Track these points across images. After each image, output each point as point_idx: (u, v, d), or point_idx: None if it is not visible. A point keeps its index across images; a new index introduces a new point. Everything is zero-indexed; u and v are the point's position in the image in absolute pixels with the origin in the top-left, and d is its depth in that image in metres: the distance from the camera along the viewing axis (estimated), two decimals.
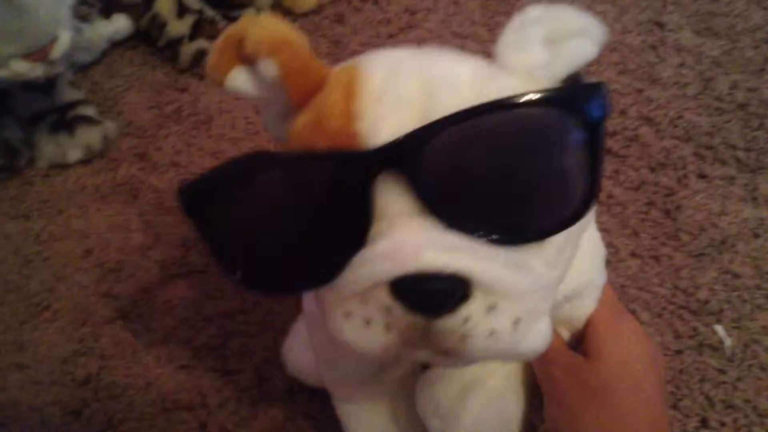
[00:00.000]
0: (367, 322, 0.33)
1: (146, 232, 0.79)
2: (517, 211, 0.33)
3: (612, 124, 0.88)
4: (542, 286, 0.35)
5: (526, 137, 0.33)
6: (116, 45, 1.00)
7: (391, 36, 1.01)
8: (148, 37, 0.99)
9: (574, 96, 0.33)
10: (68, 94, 0.87)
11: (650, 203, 0.80)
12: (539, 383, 0.45)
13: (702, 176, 0.82)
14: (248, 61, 0.36)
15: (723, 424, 0.63)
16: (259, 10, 1.00)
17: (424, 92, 0.33)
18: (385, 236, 0.32)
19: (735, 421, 0.63)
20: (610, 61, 0.96)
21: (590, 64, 0.95)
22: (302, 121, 0.34)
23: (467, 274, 0.31)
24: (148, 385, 0.67)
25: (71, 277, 0.75)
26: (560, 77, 0.36)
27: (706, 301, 0.71)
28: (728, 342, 0.68)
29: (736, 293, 0.71)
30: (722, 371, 0.66)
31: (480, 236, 0.32)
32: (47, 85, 0.85)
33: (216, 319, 0.71)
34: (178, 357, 0.68)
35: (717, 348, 0.68)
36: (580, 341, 0.46)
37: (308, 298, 0.52)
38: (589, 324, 0.46)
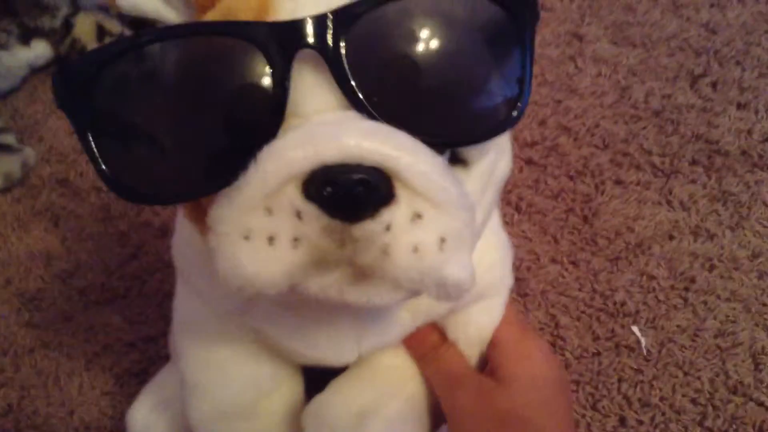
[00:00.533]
0: (271, 239, 0.28)
1: (67, 259, 0.78)
2: (446, 108, 0.30)
3: (532, 134, 0.90)
4: (470, 205, 0.31)
5: (453, 23, 0.30)
6: (37, 71, 0.99)
7: None
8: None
9: None
10: None
11: (569, 210, 0.81)
12: (443, 409, 0.43)
13: (618, 182, 0.84)
14: None
15: (641, 423, 0.65)
16: None
17: None
18: (300, 125, 0.28)
19: (652, 419, 0.65)
20: None
21: None
22: (210, 17, 0.31)
23: (393, 166, 0.28)
24: (70, 413, 0.66)
25: None
26: None
27: (623, 303, 0.73)
28: (644, 342, 0.70)
29: (651, 294, 0.73)
30: (639, 371, 0.68)
31: (407, 131, 0.29)
32: None
33: (138, 344, 0.71)
34: (100, 384, 0.68)
35: (634, 348, 0.70)
36: (486, 362, 0.44)
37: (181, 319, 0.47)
38: (495, 344, 0.44)
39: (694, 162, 0.85)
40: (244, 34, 0.28)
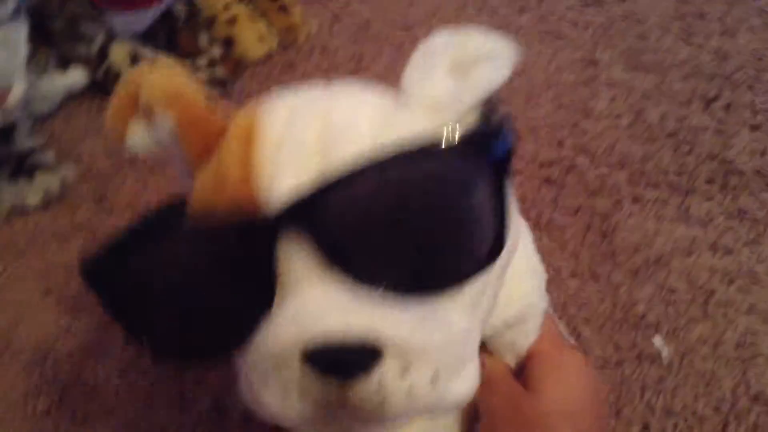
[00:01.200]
0: (285, 392, 0.32)
1: None
2: (423, 260, 0.32)
3: (549, 155, 0.93)
4: (461, 335, 0.34)
5: (426, 184, 0.32)
6: (73, 96, 1.03)
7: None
8: (104, 88, 1.03)
9: (473, 138, 0.32)
10: (27, 142, 0.90)
11: (588, 226, 0.84)
12: (479, 411, 0.44)
13: (636, 200, 0.86)
14: (145, 114, 0.35)
15: (664, 430, 0.66)
16: (211, 59, 1.04)
17: (323, 139, 0.32)
18: (291, 298, 0.31)
19: (675, 426, 0.66)
20: (547, 97, 1.01)
21: (529, 99, 1.00)
22: (202, 178, 0.33)
23: (375, 336, 0.30)
24: (107, 414, 0.68)
25: (32, 316, 0.77)
26: (470, 104, 0.34)
27: (644, 315, 0.74)
28: (665, 352, 0.72)
29: (672, 307, 0.75)
30: (661, 380, 0.69)
31: (387, 289, 0.31)
32: (6, 134, 0.88)
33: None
34: (137, 388, 0.70)
35: (655, 359, 0.71)
36: (522, 371, 0.46)
37: None
38: (530, 356, 0.46)
39: (709, 181, 0.88)
40: (240, 231, 0.31)
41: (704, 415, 0.67)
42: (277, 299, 0.32)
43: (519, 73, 1.04)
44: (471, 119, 0.35)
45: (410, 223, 0.31)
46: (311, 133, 0.32)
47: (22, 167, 0.87)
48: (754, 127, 0.94)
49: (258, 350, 0.32)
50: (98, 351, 0.73)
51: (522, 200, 0.87)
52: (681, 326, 0.74)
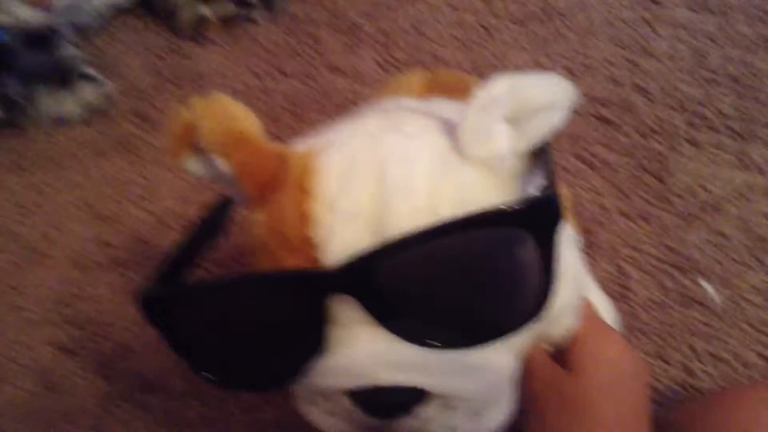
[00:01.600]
0: (332, 414, 0.34)
1: (144, 187, 0.80)
2: (467, 321, 0.33)
3: (606, 93, 0.89)
4: (504, 375, 0.35)
5: (476, 255, 0.32)
6: (119, 12, 1.02)
7: (389, 8, 1.03)
8: (149, 5, 1.01)
9: (524, 213, 0.32)
10: (69, 52, 0.89)
11: (641, 167, 0.80)
12: (524, 399, 0.44)
13: (693, 143, 0.83)
14: (203, 153, 0.35)
15: (708, 374, 0.64)
16: None
17: (377, 199, 0.32)
18: (342, 346, 0.33)
19: (720, 370, 0.64)
20: (605, 34, 0.97)
21: (587, 35, 0.96)
22: (259, 220, 0.35)
23: (420, 387, 0.32)
24: (144, 329, 0.67)
25: (69, 227, 0.77)
26: (525, 151, 0.34)
27: (695, 260, 0.72)
28: (716, 298, 0.69)
29: (724, 253, 0.72)
30: (708, 325, 0.67)
31: (433, 345, 0.32)
32: (48, 43, 0.86)
33: (213, 269, 0.72)
34: None
35: (703, 303, 0.69)
36: (563, 356, 0.45)
37: None
38: (572, 340, 0.45)
39: None
40: (295, 285, 0.32)
41: (752, 362, 0.64)
42: (328, 344, 0.33)
43: (579, 9, 1.01)
44: (524, 185, 0.35)
45: (459, 290, 0.32)
46: (366, 191, 0.32)
47: (65, 78, 0.86)
48: None
49: (308, 386, 0.34)
50: (135, 264, 0.73)
51: (575, 138, 0.84)
52: (733, 273, 0.71)
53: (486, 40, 0.98)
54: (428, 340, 0.32)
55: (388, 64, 0.95)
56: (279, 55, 0.96)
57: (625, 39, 0.96)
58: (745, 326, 0.67)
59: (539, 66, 0.93)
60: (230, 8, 0.97)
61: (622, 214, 0.76)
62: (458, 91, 0.51)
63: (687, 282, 0.70)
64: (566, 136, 0.84)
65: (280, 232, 0.33)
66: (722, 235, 0.74)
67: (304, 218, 0.32)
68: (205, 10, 0.96)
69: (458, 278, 0.32)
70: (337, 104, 0.90)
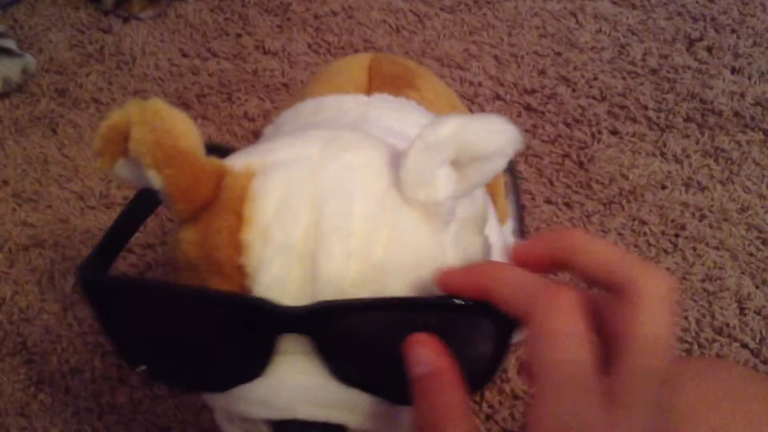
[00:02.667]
0: None
1: (65, 165, 0.77)
2: (400, 382, 0.31)
3: (531, 82, 0.91)
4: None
5: (426, 328, 0.31)
6: None
7: None
8: None
9: (479, 309, 0.31)
10: None
11: (565, 155, 0.83)
12: None
13: (614, 132, 0.86)
14: (134, 161, 0.33)
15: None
16: None
17: (312, 235, 0.31)
18: (272, 374, 0.32)
19: None
20: (531, 24, 0.99)
21: (513, 25, 0.98)
22: (188, 238, 0.34)
23: (340, 423, 0.33)
24: (63, 310, 0.66)
25: None
26: (465, 193, 0.33)
27: (614, 245, 0.74)
28: None
29: (643, 238, 0.75)
30: None
31: (366, 392, 0.33)
32: None
33: (136, 249, 0.70)
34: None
35: None
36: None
37: None
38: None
39: (688, 119, 0.87)
40: (242, 313, 0.32)
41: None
42: (262, 373, 0.33)
43: None
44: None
45: (396, 349, 0.31)
46: (302, 225, 0.32)
47: None
48: (735, 70, 0.94)
49: (230, 404, 0.34)
50: (54, 245, 0.71)
51: None
52: (650, 257, 0.73)
53: (417, 26, 0.99)
54: (357, 385, 0.33)
55: (319, 47, 0.95)
56: (207, 34, 0.94)
57: (550, 30, 0.99)
58: None
59: (468, 54, 0.95)
60: None
61: (547, 200, 0.78)
62: (402, 86, 0.51)
63: None
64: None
65: (211, 255, 0.32)
66: (640, 221, 0.76)
67: (236, 245, 0.32)
68: None
69: (395, 340, 0.31)
70: (267, 85, 0.89)
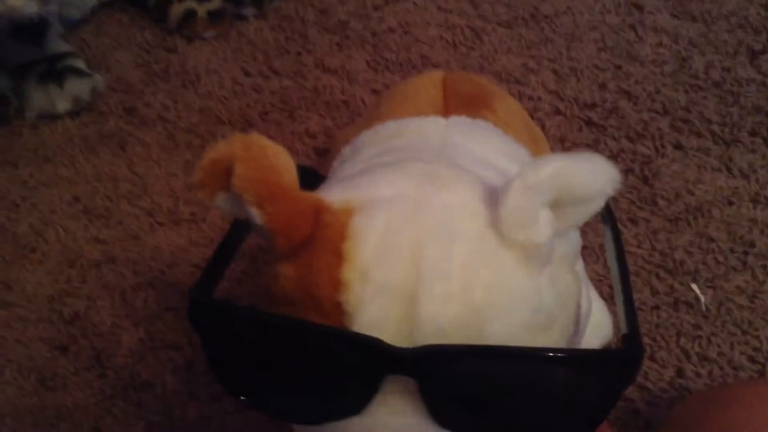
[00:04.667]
0: None
1: (135, 182, 0.79)
2: (500, 428, 0.33)
3: (592, 96, 0.90)
4: None
5: (546, 382, 0.32)
6: (105, 5, 1.00)
7: (376, 8, 1.03)
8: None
9: (600, 364, 0.33)
10: (58, 45, 0.88)
11: (628, 170, 0.82)
12: None
13: (678, 147, 0.84)
14: (235, 195, 0.33)
15: (698, 375, 0.65)
16: None
17: (412, 276, 0.31)
18: (367, 412, 0.32)
19: (710, 372, 0.65)
20: (590, 38, 0.99)
21: (572, 38, 0.98)
22: (286, 274, 0.34)
23: None
24: (135, 325, 0.67)
25: (59, 222, 0.75)
26: (561, 234, 0.33)
27: (682, 262, 0.73)
28: (703, 299, 0.70)
29: (711, 255, 0.74)
30: (697, 326, 0.68)
31: None
32: (37, 35, 0.85)
33: (203, 265, 0.71)
34: (165, 300, 0.69)
35: (692, 305, 0.70)
36: None
37: None
38: None
39: (753, 133, 0.86)
40: (350, 346, 0.32)
41: (740, 364, 0.66)
42: (362, 411, 0.33)
43: (565, 13, 1.02)
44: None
45: (508, 403, 0.33)
46: (401, 267, 0.32)
47: (53, 71, 0.85)
48: None
49: None
50: (126, 261, 0.72)
51: (562, 141, 0.86)
52: (719, 275, 0.72)
53: (474, 42, 0.99)
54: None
55: (378, 64, 0.95)
56: (268, 53, 0.95)
57: (610, 43, 0.98)
58: (731, 327, 0.68)
59: (526, 68, 0.95)
60: (219, 4, 0.96)
61: None
62: (478, 106, 0.51)
63: (675, 284, 0.71)
64: (553, 138, 0.85)
65: (311, 292, 0.32)
66: (708, 237, 0.75)
67: (336, 284, 0.32)
68: (194, 5, 0.95)
69: (518, 399, 0.32)
70: (327, 102, 0.90)
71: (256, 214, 0.32)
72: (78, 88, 0.85)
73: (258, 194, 0.32)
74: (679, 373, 0.65)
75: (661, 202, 0.78)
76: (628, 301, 0.38)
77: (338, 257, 0.32)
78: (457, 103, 0.50)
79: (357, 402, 0.32)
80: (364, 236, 0.32)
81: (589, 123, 0.88)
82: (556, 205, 0.32)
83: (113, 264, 0.72)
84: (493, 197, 0.33)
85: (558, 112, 0.89)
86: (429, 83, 0.54)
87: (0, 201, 0.78)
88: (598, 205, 0.32)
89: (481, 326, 0.31)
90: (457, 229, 0.33)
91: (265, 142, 0.33)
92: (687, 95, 0.91)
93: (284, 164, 0.33)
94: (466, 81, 0.56)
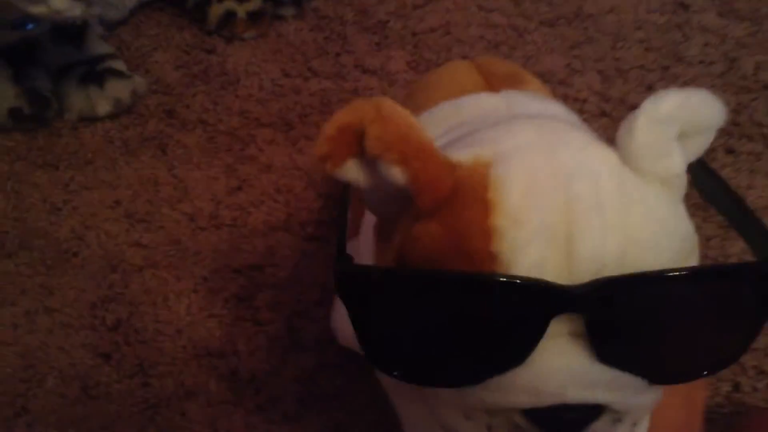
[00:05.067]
0: (489, 429, 0.33)
1: (175, 186, 0.78)
2: (670, 360, 0.33)
3: (639, 98, 0.88)
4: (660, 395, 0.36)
5: (711, 302, 0.33)
6: (144, 5, 0.99)
7: (416, 7, 1.01)
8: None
9: (756, 273, 0.33)
10: (98, 47, 0.87)
11: None
12: None
13: (730, 151, 0.82)
14: (366, 155, 0.33)
15: (755, 389, 0.63)
16: None
17: (565, 214, 0.31)
18: (534, 361, 0.31)
19: (767, 386, 0.64)
20: (635, 38, 0.96)
21: (617, 39, 0.95)
22: (431, 232, 0.33)
23: (603, 405, 0.32)
24: (178, 332, 0.66)
25: (100, 226, 0.75)
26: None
27: None
28: None
29: None
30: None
31: (626, 373, 0.32)
32: (77, 37, 0.85)
33: (246, 271, 0.71)
34: (208, 306, 0.68)
35: None
36: None
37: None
38: None
39: None
40: (516, 293, 0.31)
41: None
42: (526, 358, 0.32)
43: (609, 12, 1.00)
44: None
45: (682, 332, 0.33)
46: (553, 206, 0.31)
47: (93, 73, 0.84)
48: None
49: (477, 398, 0.33)
50: (167, 266, 0.71)
51: (610, 142, 0.84)
52: None
53: (516, 41, 0.97)
54: (624, 368, 0.32)
55: (418, 65, 0.94)
56: (307, 54, 0.94)
57: (656, 43, 0.96)
58: None
59: (571, 69, 0.93)
60: (259, 4, 0.95)
61: None
62: (518, 83, 0.52)
63: None
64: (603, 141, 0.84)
65: (460, 247, 0.32)
66: None
67: (487, 233, 0.31)
68: (234, 6, 0.94)
69: (685, 321, 0.32)
70: None
71: (399, 173, 0.32)
72: (118, 90, 0.84)
73: (402, 151, 0.32)
74: (736, 387, 0.64)
75: (712, 208, 0.76)
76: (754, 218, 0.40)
77: (485, 206, 0.31)
78: (499, 81, 0.51)
79: (523, 351, 0.31)
80: (508, 182, 0.32)
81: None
82: (681, 137, 0.33)
83: (155, 269, 0.71)
84: (610, 143, 0.34)
85: (604, 113, 0.87)
86: (461, 69, 0.55)
87: (41, 204, 0.77)
88: (712, 136, 0.35)
89: (642, 258, 0.31)
90: (597, 166, 0.33)
91: (393, 102, 0.33)
92: (736, 97, 0.88)
93: (417, 122, 0.33)
94: (498, 62, 0.59)
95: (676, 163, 0.33)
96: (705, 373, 0.34)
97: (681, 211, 0.34)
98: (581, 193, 0.31)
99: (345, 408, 0.62)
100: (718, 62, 0.93)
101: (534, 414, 0.31)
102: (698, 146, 0.35)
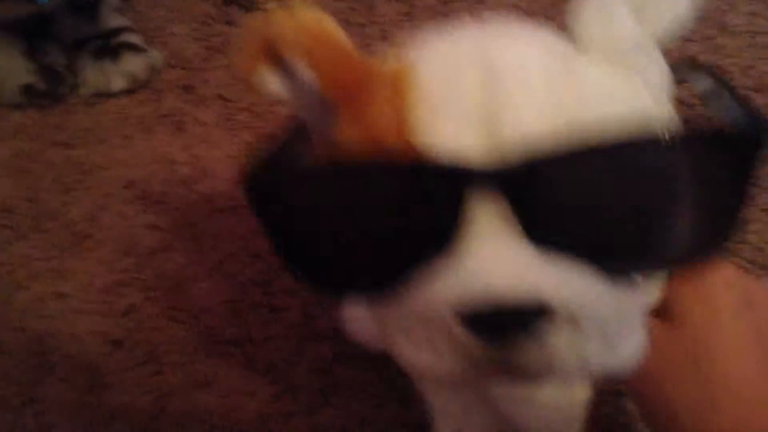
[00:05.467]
0: (431, 346, 0.30)
1: (192, 165, 0.76)
2: (620, 245, 0.29)
3: None
4: (634, 307, 0.32)
5: (644, 175, 0.29)
6: None
7: None
8: None
9: (712, 138, 0.31)
10: (113, 20, 0.85)
11: None
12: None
13: None
14: (280, 60, 0.33)
15: None
16: None
17: (488, 93, 0.29)
18: (462, 252, 0.28)
19: None
20: None
21: None
22: (349, 134, 0.31)
23: (542, 296, 0.28)
24: (193, 318, 0.64)
25: (114, 207, 0.73)
26: (652, 49, 0.32)
27: None
28: None
29: None
30: None
31: (572, 263, 0.28)
32: (91, 10, 0.82)
33: (263, 255, 0.68)
34: (224, 291, 0.66)
35: None
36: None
37: None
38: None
39: None
40: (434, 178, 0.29)
41: None
42: (452, 247, 0.29)
43: None
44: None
45: (628, 209, 0.29)
46: (474, 87, 0.29)
47: (108, 47, 0.82)
48: None
49: (408, 300, 0.30)
50: (183, 249, 0.69)
51: None
52: None
53: (551, 11, 0.92)
54: (568, 254, 0.28)
55: None
56: None
57: (700, 13, 0.91)
58: None
59: None
60: None
61: None
62: None
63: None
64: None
65: (377, 140, 0.30)
66: None
67: (404, 123, 0.29)
68: None
69: (628, 196, 0.29)
70: None
71: (306, 70, 0.31)
72: (134, 64, 0.81)
73: (308, 45, 0.31)
74: None
75: (756, 189, 0.72)
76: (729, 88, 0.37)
77: (402, 98, 0.30)
78: None
79: (441, 238, 0.28)
80: (426, 70, 0.30)
81: (678, 100, 0.81)
82: (637, 10, 0.31)
83: (170, 253, 0.69)
84: (564, 37, 0.32)
85: None
86: None
87: (54, 184, 0.75)
88: (681, 3, 0.32)
89: (583, 135, 0.28)
90: (526, 42, 0.31)
91: (306, 6, 0.32)
92: None
93: (331, 22, 0.32)
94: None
95: (625, 34, 0.31)
96: (673, 263, 0.31)
97: (640, 91, 0.31)
98: (505, 69, 0.29)
99: (367, 400, 0.59)
100: (765, 32, 0.88)
101: (468, 318, 0.28)
102: (661, 15, 0.32)
